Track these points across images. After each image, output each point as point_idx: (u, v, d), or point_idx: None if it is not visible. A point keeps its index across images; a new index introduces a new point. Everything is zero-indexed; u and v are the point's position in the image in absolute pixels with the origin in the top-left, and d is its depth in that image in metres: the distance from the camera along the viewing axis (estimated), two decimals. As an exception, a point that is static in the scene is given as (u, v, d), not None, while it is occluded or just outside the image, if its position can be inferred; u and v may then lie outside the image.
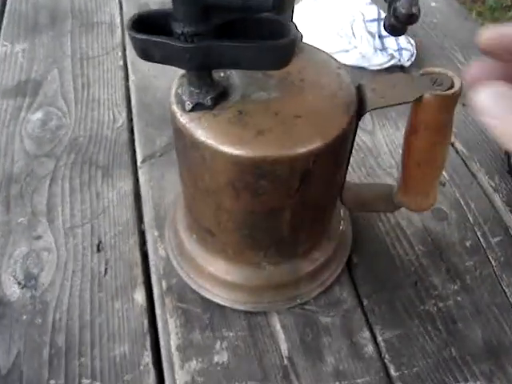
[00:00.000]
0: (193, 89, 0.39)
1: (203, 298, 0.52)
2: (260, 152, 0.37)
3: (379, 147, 0.67)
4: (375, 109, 0.41)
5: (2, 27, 0.84)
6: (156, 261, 0.56)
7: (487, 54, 0.28)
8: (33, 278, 0.54)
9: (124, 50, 0.80)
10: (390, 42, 0.75)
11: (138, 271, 0.55)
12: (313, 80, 0.41)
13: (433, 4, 0.91)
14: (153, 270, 0.55)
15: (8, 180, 0.62)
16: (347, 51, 0.75)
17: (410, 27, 0.36)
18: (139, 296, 0.53)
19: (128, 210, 0.60)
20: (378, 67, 0.76)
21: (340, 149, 0.41)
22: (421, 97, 0.40)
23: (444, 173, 0.63)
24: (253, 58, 0.35)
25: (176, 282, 0.54)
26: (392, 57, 0.74)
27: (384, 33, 0.75)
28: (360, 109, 0.42)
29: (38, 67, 0.77)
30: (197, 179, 0.43)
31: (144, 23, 0.36)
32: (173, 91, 0.41)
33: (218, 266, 0.50)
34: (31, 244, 0.57)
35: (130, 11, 0.87)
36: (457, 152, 0.67)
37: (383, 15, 0.76)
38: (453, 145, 0.68)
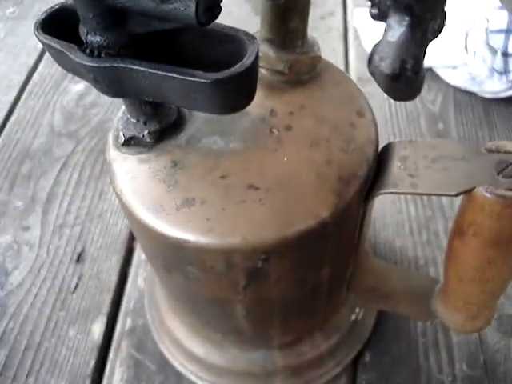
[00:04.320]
0: (129, 117, 0.28)
1: (162, 355, 0.42)
2: (179, 231, 0.25)
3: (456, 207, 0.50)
4: (393, 193, 0.27)
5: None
6: (131, 291, 0.47)
7: None
8: (4, 274, 0.49)
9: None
10: (519, 63, 0.56)
11: (108, 298, 0.47)
12: (305, 130, 0.28)
13: None
14: (124, 300, 0.46)
15: (23, 156, 0.57)
16: (455, 67, 0.57)
17: None
18: (97, 328, 0.45)
19: (124, 221, 0.51)
20: (493, 95, 0.57)
21: (316, 245, 0.27)
22: (471, 190, 0.25)
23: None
24: (181, 94, 0.23)
25: (142, 323, 0.45)
26: (515, 85, 0.55)
27: (513, 50, 0.56)
28: (372, 188, 0.28)
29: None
30: (137, 238, 0.32)
31: (67, 18, 0.26)
32: (119, 113, 0.30)
33: (183, 333, 0.40)
34: (17, 234, 0.51)
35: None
36: None
37: (517, 26, 0.56)
38: None
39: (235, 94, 0.23)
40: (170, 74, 0.22)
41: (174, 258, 0.28)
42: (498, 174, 0.25)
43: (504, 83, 0.55)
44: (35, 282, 0.48)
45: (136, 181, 0.27)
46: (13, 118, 0.62)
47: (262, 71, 0.30)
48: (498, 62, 0.55)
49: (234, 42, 0.24)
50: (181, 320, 0.40)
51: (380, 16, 0.15)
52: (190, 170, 0.26)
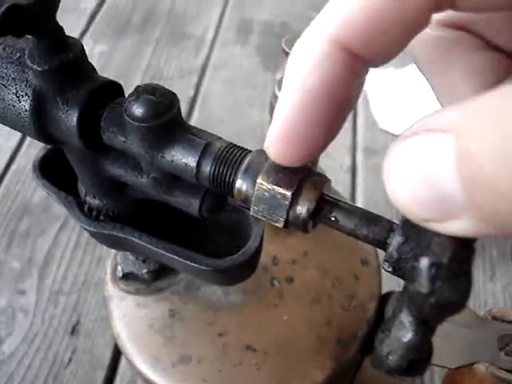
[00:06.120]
0: (128, 253, 0.28)
1: None
2: (176, 389, 0.25)
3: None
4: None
5: (95, 21, 0.78)
6: (124, 370, 0.47)
7: None
8: (-3, 342, 0.48)
9: (202, 74, 0.69)
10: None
11: (101, 376, 0.46)
12: (307, 282, 0.27)
13: None
14: (117, 380, 0.46)
15: (23, 211, 0.57)
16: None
17: None
18: (88, 410, 0.45)
19: (121, 291, 0.51)
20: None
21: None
22: (471, 365, 0.25)
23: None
24: (181, 266, 0.23)
25: (134, 407, 0.45)
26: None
27: None
28: (372, 342, 0.27)
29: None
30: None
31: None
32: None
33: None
34: (12, 298, 0.51)
35: (230, 27, 0.76)
36: None
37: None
38: None
39: (237, 275, 0.22)
40: (169, 255, 0.22)
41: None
42: (501, 350, 0.25)
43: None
44: (28, 352, 0.48)
45: (132, 327, 0.26)
46: (13, 168, 0.61)
47: (267, 207, 0.29)
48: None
49: (240, 212, 0.23)
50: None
51: (393, 272, 0.15)
52: (187, 322, 0.26)
